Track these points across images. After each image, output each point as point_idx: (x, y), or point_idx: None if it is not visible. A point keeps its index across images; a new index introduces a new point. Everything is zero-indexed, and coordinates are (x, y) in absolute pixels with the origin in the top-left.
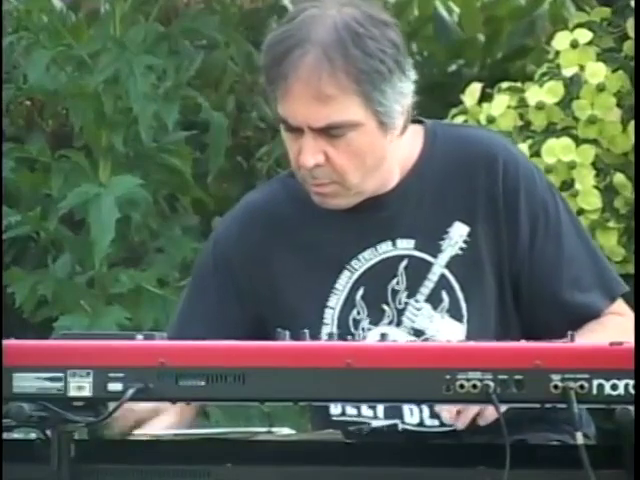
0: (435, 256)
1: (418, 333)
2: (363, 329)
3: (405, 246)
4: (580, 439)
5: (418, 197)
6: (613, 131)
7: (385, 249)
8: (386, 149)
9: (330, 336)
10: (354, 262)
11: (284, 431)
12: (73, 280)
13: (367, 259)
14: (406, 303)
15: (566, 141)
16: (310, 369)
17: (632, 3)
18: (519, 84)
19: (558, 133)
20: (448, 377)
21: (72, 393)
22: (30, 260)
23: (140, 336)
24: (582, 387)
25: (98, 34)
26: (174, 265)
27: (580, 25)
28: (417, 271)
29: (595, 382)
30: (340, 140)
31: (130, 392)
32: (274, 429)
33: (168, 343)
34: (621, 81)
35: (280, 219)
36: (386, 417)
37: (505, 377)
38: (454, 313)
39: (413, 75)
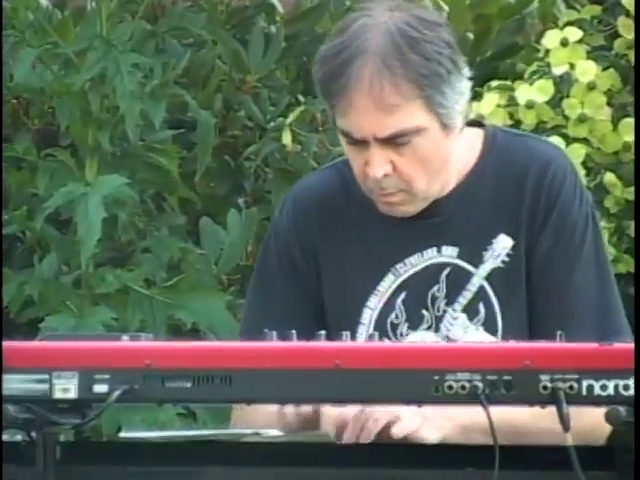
0: (477, 267)
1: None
2: (401, 333)
3: (449, 254)
4: (570, 440)
5: (470, 205)
6: (603, 130)
7: (430, 255)
8: (449, 150)
9: (371, 337)
10: (399, 266)
11: (272, 432)
12: (59, 280)
13: (413, 264)
14: (444, 311)
15: (556, 140)
16: (298, 370)
17: (623, 1)
18: (509, 82)
19: (548, 132)
20: (437, 378)
21: (57, 395)
22: (16, 260)
23: (126, 337)
24: (571, 387)
25: (84, 32)
26: (161, 265)
27: (570, 23)
28: (457, 280)
29: (585, 382)
30: (406, 147)
31: (116, 394)
32: (262, 430)
33: (154, 344)
34: (611, 79)
35: (332, 210)
36: None
37: (494, 378)
38: (489, 326)
39: (468, 72)
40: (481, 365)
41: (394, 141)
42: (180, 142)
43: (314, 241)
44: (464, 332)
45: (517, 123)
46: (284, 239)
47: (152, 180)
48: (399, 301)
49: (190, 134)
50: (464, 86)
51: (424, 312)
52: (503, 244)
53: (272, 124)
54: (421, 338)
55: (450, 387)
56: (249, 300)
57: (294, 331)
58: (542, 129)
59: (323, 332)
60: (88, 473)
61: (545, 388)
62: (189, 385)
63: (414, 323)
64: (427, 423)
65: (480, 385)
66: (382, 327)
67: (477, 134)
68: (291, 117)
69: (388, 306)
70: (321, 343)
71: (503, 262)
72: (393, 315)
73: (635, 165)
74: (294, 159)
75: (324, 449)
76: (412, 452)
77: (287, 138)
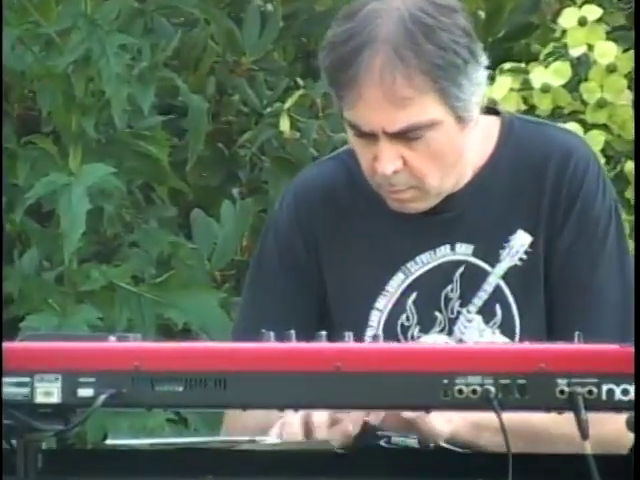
0: (493, 265)
1: None
2: (413, 336)
3: (464, 251)
4: (588, 448)
5: (485, 199)
6: (624, 115)
7: (443, 253)
8: (464, 144)
9: (375, 338)
10: (410, 264)
11: (269, 440)
12: (41, 276)
13: (424, 262)
14: (458, 312)
15: (573, 126)
16: (296, 373)
17: None
18: (523, 65)
19: (565, 118)
20: (446, 382)
21: (39, 399)
22: None
23: (113, 337)
24: (590, 392)
25: (67, 11)
26: (150, 260)
27: (589, 1)
28: (472, 280)
29: (604, 387)
30: (418, 142)
31: (102, 398)
32: (258, 438)
33: (143, 345)
34: (632, 61)
35: (337, 204)
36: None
37: (507, 382)
38: (506, 329)
39: (485, 60)
40: (493, 368)
41: (405, 136)
42: (170, 129)
43: (317, 237)
44: (479, 335)
45: (531, 108)
46: (285, 234)
47: (140, 169)
48: (410, 302)
49: (181, 120)
50: (481, 76)
51: (437, 314)
52: (521, 241)
53: (269, 109)
54: (433, 342)
55: (460, 391)
56: (245, 298)
57: (293, 331)
58: (558, 115)
59: (324, 333)
60: None
61: (562, 393)
62: (180, 389)
63: (426, 325)
64: (437, 414)
65: (492, 389)
66: (392, 330)
67: (493, 122)
68: (289, 102)
69: (398, 307)
70: (321, 344)
71: (521, 260)
72: (404, 317)
73: (635, 164)
74: (292, 147)
75: (325, 458)
76: (418, 460)
77: (285, 124)
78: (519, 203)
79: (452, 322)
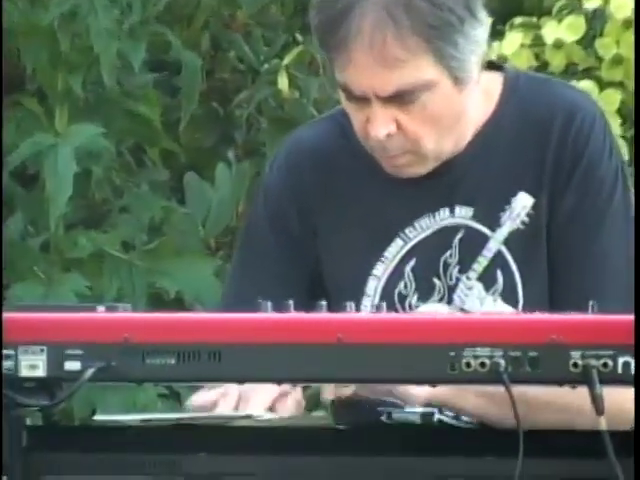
0: (493, 229)
1: None
2: (410, 305)
3: (463, 215)
4: (604, 424)
5: (486, 160)
6: None
7: (443, 217)
8: (463, 105)
9: (378, 308)
10: (409, 230)
11: (266, 416)
12: (26, 243)
13: (424, 228)
14: (457, 279)
15: (588, 84)
16: (295, 345)
17: None
18: (534, 19)
19: (579, 75)
20: (453, 354)
21: (24, 373)
22: None
23: (102, 308)
24: (605, 365)
25: None
26: (141, 226)
27: None
28: (472, 245)
29: (620, 360)
30: (413, 105)
31: (90, 372)
32: (254, 413)
33: (133, 316)
34: None
35: (331, 166)
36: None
37: (518, 354)
38: (508, 296)
39: (485, 17)
40: (503, 339)
41: (399, 98)
42: (162, 87)
43: (310, 201)
44: (480, 303)
45: (543, 65)
46: (276, 199)
47: (130, 130)
48: (408, 269)
49: (173, 78)
50: (480, 34)
51: (435, 281)
52: (523, 203)
53: (266, 66)
54: (432, 310)
55: (468, 364)
56: (234, 265)
57: (291, 301)
58: (572, 72)
59: (324, 303)
60: (58, 461)
61: (576, 366)
62: (173, 362)
63: (424, 294)
64: None
65: (502, 362)
66: (389, 298)
67: (496, 79)
68: (287, 58)
69: (396, 275)
70: (322, 315)
71: (523, 223)
72: (401, 285)
73: (635, 164)
74: (291, 106)
75: (325, 435)
76: (423, 438)
77: (283, 82)
78: (522, 163)
79: (451, 290)
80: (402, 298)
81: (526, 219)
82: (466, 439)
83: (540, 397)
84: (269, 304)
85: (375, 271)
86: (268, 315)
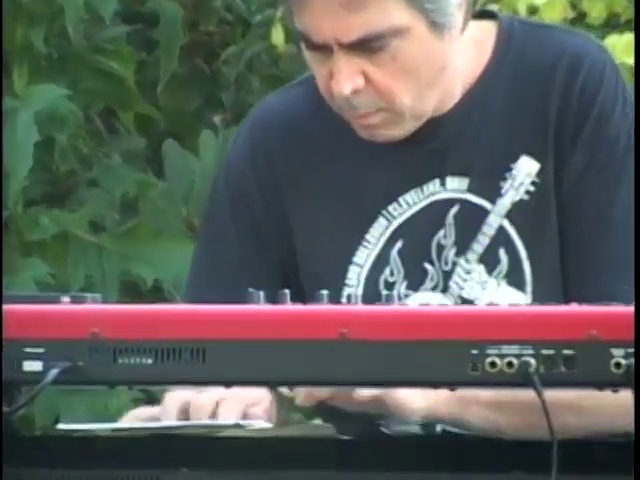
0: (493, 202)
1: (467, 304)
2: (399, 295)
3: (457, 187)
4: None
5: (480, 121)
6: None
7: (432, 190)
8: (445, 55)
9: (349, 298)
10: (392, 207)
11: (258, 424)
12: None
13: (410, 204)
14: (454, 263)
15: (630, 38)
16: (292, 342)
17: None
18: None
19: (621, 27)
20: (475, 352)
21: None
22: None
23: (67, 298)
24: None
25: None
26: (112, 204)
27: None
28: (469, 221)
29: None
30: (382, 54)
31: (53, 373)
32: (244, 422)
33: (103, 308)
34: None
35: (302, 138)
36: None
37: (551, 352)
38: (514, 279)
39: None
40: (534, 335)
41: (365, 47)
42: (137, 42)
43: (279, 180)
44: (482, 289)
45: (581, 16)
46: (238, 178)
47: (100, 91)
48: (394, 253)
49: (150, 31)
50: None
51: (427, 266)
52: (526, 169)
53: (258, 17)
54: (425, 301)
55: (493, 364)
56: (195, 252)
57: (287, 291)
58: (614, 23)
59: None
60: (16, 476)
61: (618, 366)
62: (149, 362)
63: (415, 281)
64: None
65: (532, 362)
66: (374, 288)
67: (488, 28)
68: (283, 8)
69: (380, 261)
70: (323, 307)
71: (527, 193)
72: (387, 271)
73: (635, 163)
74: (287, 63)
75: (325, 447)
76: (443, 451)
77: (278, 36)
78: (521, 123)
79: (447, 276)
80: (389, 287)
81: (531, 188)
82: (490, 452)
83: (561, 400)
84: (261, 294)
85: (356, 258)
86: (260, 307)
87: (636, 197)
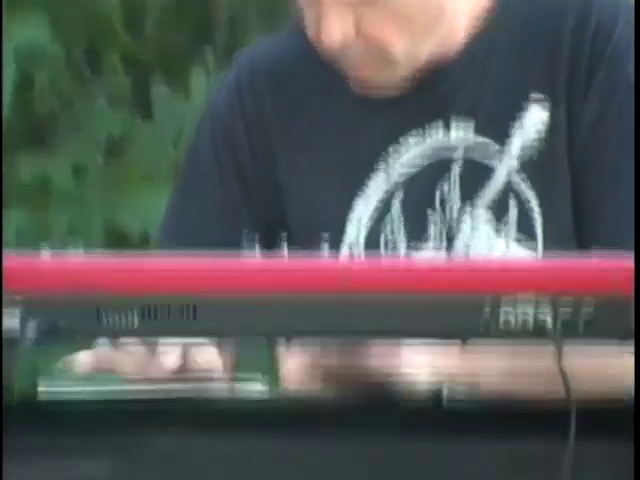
0: (502, 150)
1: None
2: (402, 250)
3: (462, 133)
4: None
5: (487, 63)
6: None
7: (435, 138)
8: None
9: (351, 251)
10: (393, 157)
11: (252, 387)
12: None
13: (411, 153)
14: (459, 215)
15: None
16: (288, 296)
17: None
18: None
19: None
20: (488, 309)
21: None
22: None
23: (46, 249)
24: None
25: None
26: (96, 148)
27: None
28: (475, 172)
29: None
30: (374, 1)
31: (31, 332)
32: (237, 384)
33: (86, 260)
34: None
35: (294, 83)
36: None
37: (571, 308)
38: (524, 234)
39: None
40: (552, 288)
41: None
42: None
43: (268, 127)
44: (490, 242)
45: None
46: (223, 121)
47: (83, 26)
48: (395, 206)
49: None
50: None
51: (431, 218)
52: (536, 116)
53: None
54: (429, 257)
55: (507, 322)
56: (172, 197)
57: (284, 240)
58: None
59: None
60: None
61: None
62: (136, 319)
63: (417, 236)
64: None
65: (550, 319)
66: (374, 245)
67: None
68: None
69: (381, 214)
70: (320, 257)
71: (538, 139)
72: (388, 228)
73: (635, 164)
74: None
75: (327, 411)
76: (448, 419)
77: None
78: (531, 64)
79: (452, 229)
80: (390, 244)
81: (541, 137)
82: (502, 419)
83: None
84: (257, 244)
85: (354, 214)
86: (254, 259)
87: (636, 197)
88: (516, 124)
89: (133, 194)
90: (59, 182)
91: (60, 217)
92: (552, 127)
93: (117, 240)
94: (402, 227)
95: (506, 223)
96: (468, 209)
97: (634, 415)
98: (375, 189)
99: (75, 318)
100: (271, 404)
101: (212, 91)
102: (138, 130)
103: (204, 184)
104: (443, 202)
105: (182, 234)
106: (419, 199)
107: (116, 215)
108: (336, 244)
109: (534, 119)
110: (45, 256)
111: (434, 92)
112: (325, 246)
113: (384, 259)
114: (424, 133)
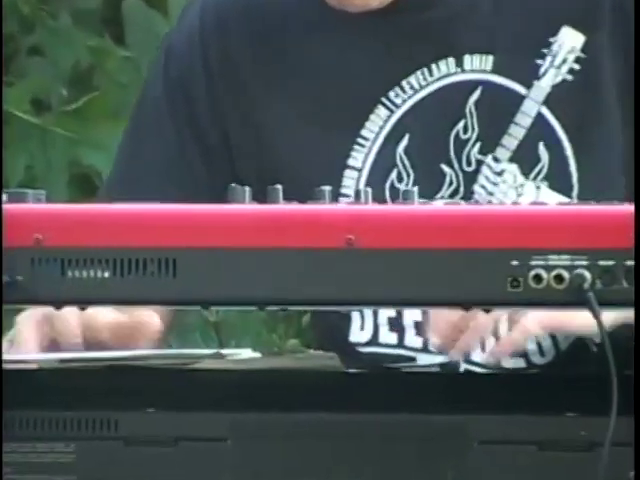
0: (528, 85)
1: None
2: None
3: (478, 67)
4: None
5: None
6: None
7: (445, 71)
8: None
9: (357, 195)
10: (393, 93)
11: (243, 353)
12: None
13: (415, 88)
14: (479, 162)
15: None
16: (285, 251)
17: None
18: None
19: None
20: (516, 263)
21: None
22: None
23: (4, 196)
24: None
25: None
26: (60, 75)
27: None
28: (498, 109)
29: None
30: None
31: None
32: (226, 351)
33: (48, 208)
34: None
35: (269, 19)
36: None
37: (610, 263)
38: (557, 181)
39: None
40: (589, 243)
41: None
42: None
43: (238, 67)
44: (517, 194)
45: None
46: (179, 63)
47: None
48: (400, 150)
49: None
50: None
51: (444, 167)
52: (570, 43)
53: None
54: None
55: (538, 278)
56: (121, 144)
57: (279, 187)
58: None
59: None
60: None
61: None
62: (106, 275)
63: (429, 185)
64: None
65: (588, 275)
66: (377, 195)
67: None
68: None
69: (383, 160)
70: (325, 207)
71: (571, 72)
72: (394, 174)
73: (635, 164)
74: None
75: (327, 381)
76: (472, 388)
77: None
78: None
79: (470, 178)
80: (396, 193)
81: (576, 66)
82: (539, 389)
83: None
84: (247, 190)
85: (352, 160)
86: (246, 207)
87: (636, 196)
88: (546, 56)
89: (101, 130)
90: (17, 116)
91: (18, 157)
92: (588, 56)
93: (83, 184)
94: (411, 174)
95: (536, 171)
96: (490, 154)
97: (634, 415)
98: (375, 130)
99: (36, 275)
100: (265, 373)
101: (171, 28)
102: (108, 55)
103: (154, 135)
104: (458, 146)
105: (127, 189)
106: (429, 142)
107: (82, 154)
108: (333, 197)
109: (568, 49)
110: (3, 202)
111: (434, 17)
112: (327, 190)
113: (391, 209)
114: (430, 66)
